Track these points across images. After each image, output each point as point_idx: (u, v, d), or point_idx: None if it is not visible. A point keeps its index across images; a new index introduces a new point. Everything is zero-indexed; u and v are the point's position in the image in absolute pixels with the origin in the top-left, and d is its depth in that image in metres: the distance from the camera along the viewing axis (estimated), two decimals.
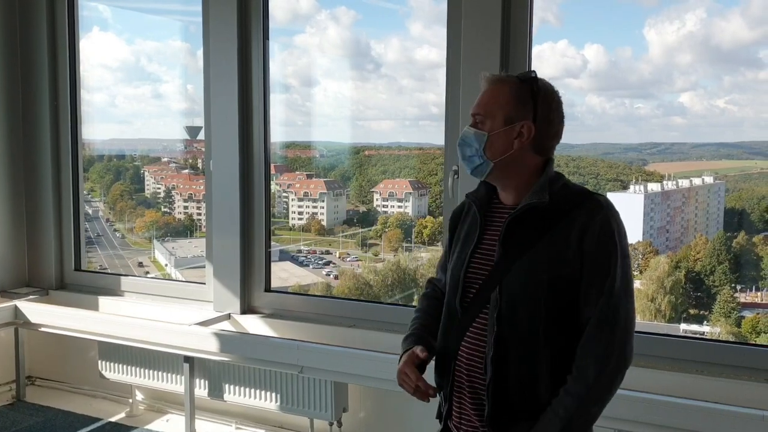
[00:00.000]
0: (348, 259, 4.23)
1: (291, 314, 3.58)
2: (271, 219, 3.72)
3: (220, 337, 3.33)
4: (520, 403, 1.67)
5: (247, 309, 3.67)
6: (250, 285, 3.66)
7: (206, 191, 3.79)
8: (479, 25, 2.94)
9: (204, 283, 3.82)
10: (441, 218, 4.04)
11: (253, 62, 3.50)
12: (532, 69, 1.81)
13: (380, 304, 3.63)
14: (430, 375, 1.81)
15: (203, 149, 4.56)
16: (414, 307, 3.25)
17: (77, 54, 4.06)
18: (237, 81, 3.49)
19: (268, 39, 3.52)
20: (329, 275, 4.22)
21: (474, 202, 1.82)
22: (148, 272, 4.62)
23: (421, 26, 3.85)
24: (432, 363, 1.84)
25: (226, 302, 3.66)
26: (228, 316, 3.65)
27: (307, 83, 3.93)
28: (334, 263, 4.22)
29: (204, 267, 4.37)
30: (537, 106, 1.72)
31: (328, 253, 4.25)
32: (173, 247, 4.60)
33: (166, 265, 4.59)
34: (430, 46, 3.81)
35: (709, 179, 3.59)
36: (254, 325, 3.60)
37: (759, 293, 3.39)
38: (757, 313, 3.33)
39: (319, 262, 4.22)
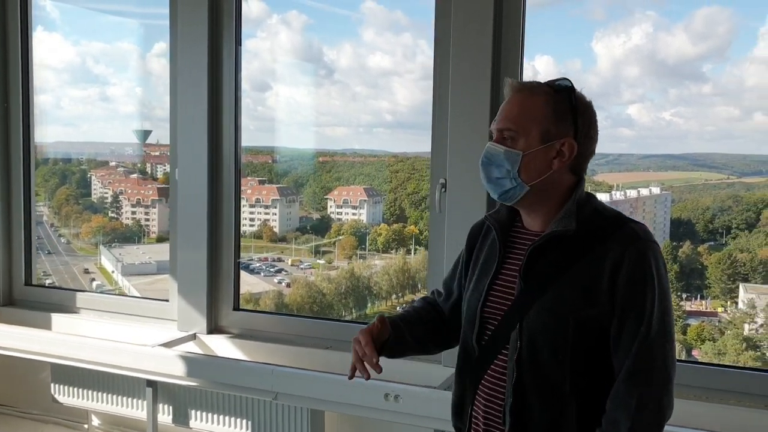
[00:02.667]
0: (301, 266, 4.18)
1: (262, 335, 3.42)
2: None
3: (188, 360, 3.14)
4: None
5: (214, 328, 3.50)
6: (218, 303, 3.50)
7: (170, 202, 3.63)
8: (469, 27, 2.83)
9: (167, 300, 3.65)
10: (396, 226, 4.04)
11: (224, 66, 3.37)
12: (564, 77, 1.57)
13: (359, 324, 3.48)
14: (449, 414, 1.68)
15: (152, 153, 4.47)
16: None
17: (30, 54, 3.89)
18: (207, 86, 3.35)
19: (240, 45, 3.41)
20: (281, 283, 4.16)
21: (494, 226, 1.62)
22: (94, 279, 4.49)
23: (373, 33, 3.85)
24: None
25: (191, 321, 3.49)
26: (193, 336, 3.49)
27: (258, 88, 3.88)
28: (286, 271, 4.17)
29: (153, 275, 4.27)
30: (577, 121, 1.53)
31: (280, 260, 4.19)
32: (120, 254, 4.48)
33: (113, 271, 4.46)
34: (383, 53, 3.81)
35: (655, 190, 3.66)
36: (222, 346, 3.45)
37: (703, 302, 3.46)
38: (702, 321, 3.40)
39: (271, 269, 4.16)
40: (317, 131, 4.10)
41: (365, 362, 1.60)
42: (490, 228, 1.67)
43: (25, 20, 3.87)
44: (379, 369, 1.59)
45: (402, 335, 1.71)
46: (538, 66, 3.33)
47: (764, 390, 2.64)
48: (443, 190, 2.96)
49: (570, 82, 1.55)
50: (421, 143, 3.96)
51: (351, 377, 1.66)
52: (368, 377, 1.61)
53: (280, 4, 3.83)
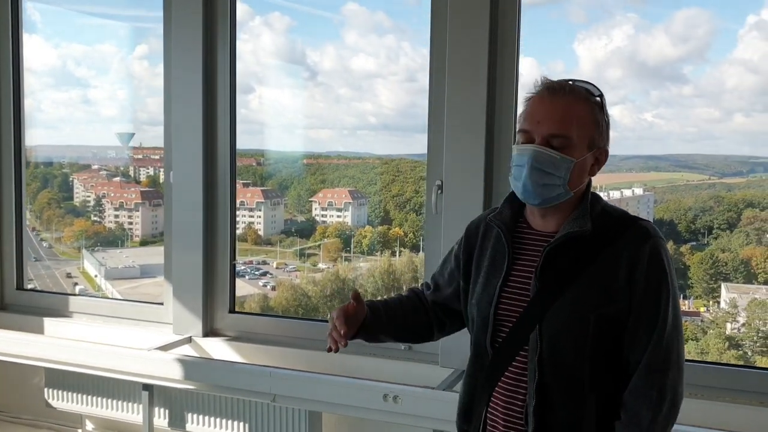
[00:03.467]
0: (286, 269, 4.17)
1: (258, 337, 3.43)
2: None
3: (185, 363, 3.12)
4: None
5: (209, 332, 3.49)
6: (213, 306, 3.50)
7: (165, 205, 3.63)
8: (465, 28, 2.84)
9: (162, 304, 3.63)
10: (381, 228, 4.03)
11: (219, 68, 3.37)
12: (588, 81, 1.60)
13: None
14: (448, 414, 1.71)
15: (135, 156, 4.44)
16: None
17: (21, 57, 3.86)
18: (201, 88, 3.35)
19: (235, 48, 3.41)
20: (266, 286, 4.14)
21: (501, 228, 1.62)
22: (76, 283, 4.44)
23: (356, 35, 3.84)
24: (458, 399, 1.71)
25: (187, 324, 3.48)
26: (189, 340, 3.48)
27: (241, 90, 3.84)
28: (271, 274, 4.15)
29: (137, 279, 4.24)
30: (608, 129, 1.58)
31: (264, 263, 4.17)
32: (103, 258, 4.44)
33: (96, 276, 4.42)
34: (366, 56, 3.80)
35: (638, 191, 3.68)
36: (218, 348, 3.44)
37: (686, 301, 3.48)
38: (685, 321, 3.42)
39: (256, 272, 4.14)
40: (301, 133, 4.09)
41: (335, 337, 1.66)
42: (489, 228, 1.67)
43: (16, 23, 3.84)
44: (344, 343, 1.66)
45: (380, 319, 1.74)
46: (521, 68, 3.35)
47: (746, 386, 2.71)
48: (439, 191, 2.96)
49: (598, 88, 1.57)
50: (405, 145, 3.98)
51: (329, 350, 1.72)
52: (336, 350, 1.67)
53: (262, 5, 3.81)
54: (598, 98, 1.58)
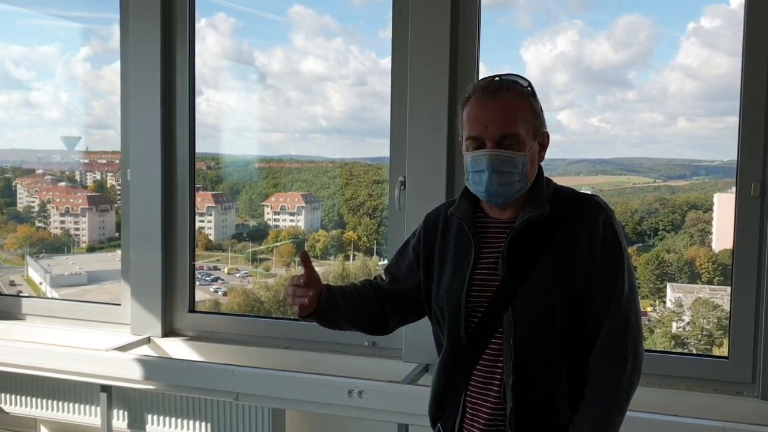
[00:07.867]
0: (237, 274, 4.11)
1: (218, 336, 3.40)
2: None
3: (146, 363, 3.08)
4: (543, 426, 1.59)
5: (169, 331, 3.45)
6: (173, 305, 3.46)
7: (123, 204, 3.58)
8: (428, 35, 2.90)
9: (119, 304, 3.57)
10: (334, 232, 4.01)
11: (178, 64, 3.35)
12: (514, 74, 1.66)
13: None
14: (423, 406, 1.73)
15: (82, 161, 4.33)
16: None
17: None
18: (159, 87, 3.32)
19: (194, 48, 3.39)
20: (217, 292, 4.08)
21: (463, 220, 1.67)
22: (20, 291, 4.31)
23: (303, 38, 3.81)
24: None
25: (145, 325, 3.44)
26: (148, 340, 3.43)
27: None
28: (222, 279, 4.09)
29: (83, 285, 4.14)
30: (542, 113, 1.64)
31: (216, 269, 4.11)
32: (48, 265, 4.32)
33: (41, 283, 4.30)
34: (316, 58, 3.77)
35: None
36: (177, 348, 3.41)
37: None
38: None
39: (207, 278, 4.07)
40: (252, 137, 4.04)
41: (300, 294, 1.64)
42: (450, 221, 1.71)
43: None
44: (312, 294, 1.63)
45: (336, 301, 1.71)
46: None
47: (678, 371, 2.81)
48: (402, 188, 3.00)
49: (524, 77, 1.64)
50: (358, 149, 3.96)
51: (291, 304, 1.67)
52: (295, 307, 1.64)
53: (206, 7, 3.72)
54: (528, 88, 1.63)
